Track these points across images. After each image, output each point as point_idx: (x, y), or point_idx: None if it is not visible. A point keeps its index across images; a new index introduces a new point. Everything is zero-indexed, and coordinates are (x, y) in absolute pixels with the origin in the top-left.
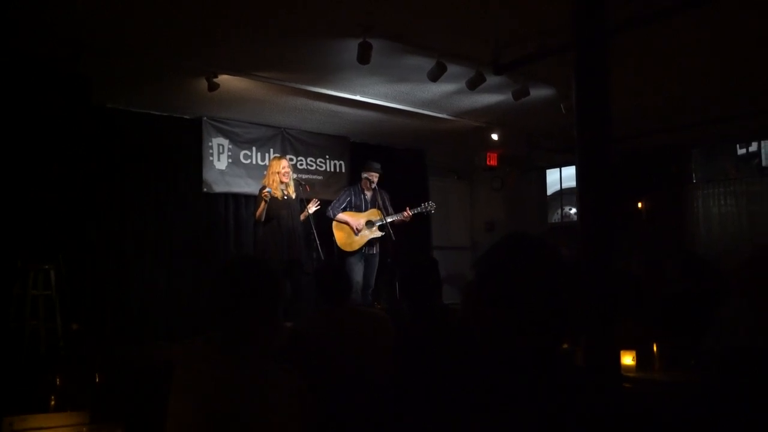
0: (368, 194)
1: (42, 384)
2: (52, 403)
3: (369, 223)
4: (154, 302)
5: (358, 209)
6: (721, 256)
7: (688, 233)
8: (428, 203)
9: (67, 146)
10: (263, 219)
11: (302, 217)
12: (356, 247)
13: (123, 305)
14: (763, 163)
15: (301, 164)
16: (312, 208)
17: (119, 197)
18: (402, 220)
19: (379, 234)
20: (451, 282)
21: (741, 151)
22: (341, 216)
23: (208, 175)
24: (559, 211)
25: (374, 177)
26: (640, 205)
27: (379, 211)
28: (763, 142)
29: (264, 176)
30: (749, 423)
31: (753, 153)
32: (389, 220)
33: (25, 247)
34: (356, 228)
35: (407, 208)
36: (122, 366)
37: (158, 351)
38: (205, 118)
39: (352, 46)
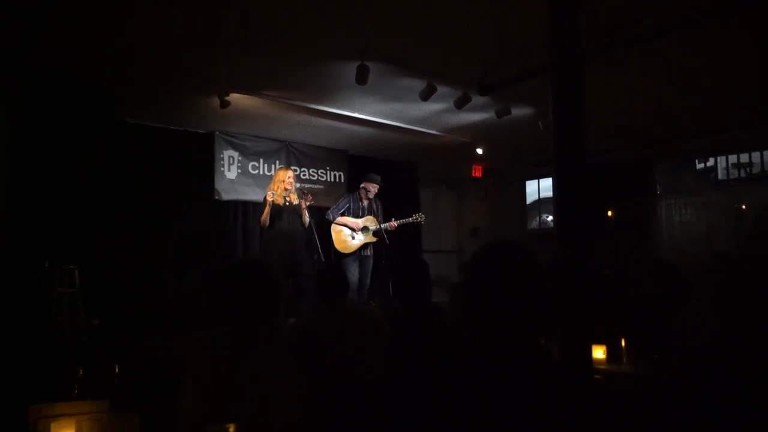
0: (365, 202)
1: (66, 374)
2: (75, 392)
3: (365, 229)
4: (167, 300)
5: (355, 215)
6: (682, 261)
7: (653, 239)
8: (418, 215)
9: (89, 157)
10: (267, 224)
11: (306, 219)
12: (352, 249)
13: (138, 303)
14: (720, 177)
15: (304, 175)
16: (305, 203)
17: (137, 204)
18: (388, 229)
19: (373, 239)
20: (440, 282)
21: (699, 166)
22: (340, 219)
23: (219, 185)
24: (537, 218)
25: (373, 188)
26: (610, 213)
27: (375, 219)
28: (719, 158)
29: (270, 184)
30: (707, 413)
31: (710, 167)
32: (382, 227)
33: (51, 249)
34: (354, 228)
35: (393, 219)
36: (139, 358)
37: (171, 345)
38: (217, 132)
39: (351, 68)
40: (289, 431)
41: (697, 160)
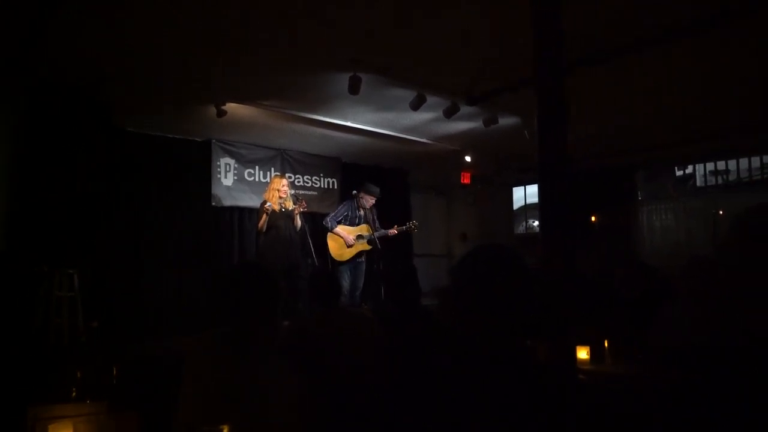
0: (361, 211)
1: (64, 376)
2: (73, 393)
3: (360, 237)
4: (165, 303)
5: (352, 223)
6: (663, 264)
7: (634, 244)
8: (412, 223)
9: (90, 164)
10: (264, 229)
11: (297, 223)
12: (347, 257)
13: (137, 306)
14: (698, 184)
15: (299, 181)
16: (299, 209)
17: (135, 210)
18: (387, 236)
19: (367, 247)
20: (430, 285)
21: (679, 173)
22: (337, 230)
23: (216, 191)
24: (524, 223)
25: (371, 200)
26: (593, 219)
27: (369, 227)
28: (697, 166)
29: (265, 191)
30: (687, 408)
31: (689, 175)
32: (377, 235)
33: (51, 254)
34: (348, 241)
35: (395, 226)
36: (137, 360)
37: (170, 346)
38: (214, 141)
39: (344, 79)
40: (286, 431)
41: (676, 168)
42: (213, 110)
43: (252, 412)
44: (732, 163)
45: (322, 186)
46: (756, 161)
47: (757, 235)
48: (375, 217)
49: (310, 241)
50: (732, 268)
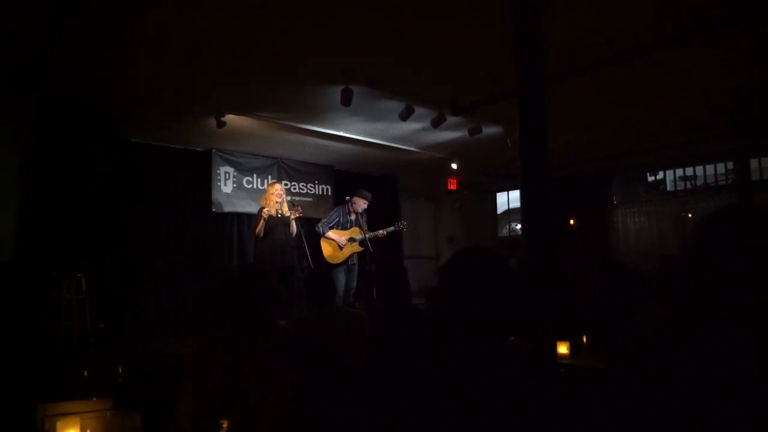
0: (353, 216)
1: (72, 375)
2: (80, 391)
3: (351, 240)
4: (168, 306)
5: (343, 227)
6: (637, 263)
7: (610, 245)
8: (401, 223)
9: (96, 173)
10: (261, 234)
11: (293, 229)
12: (340, 260)
13: (141, 308)
14: (668, 189)
15: (294, 188)
16: (294, 215)
17: (140, 216)
18: (377, 237)
19: (359, 249)
20: (419, 286)
21: (650, 179)
22: (329, 234)
23: (216, 198)
24: (507, 226)
25: (363, 204)
26: (572, 221)
27: (360, 230)
28: (667, 172)
29: (263, 197)
30: (649, 403)
31: (660, 180)
32: (367, 237)
33: (61, 259)
34: (341, 244)
35: (384, 228)
36: (141, 360)
37: (170, 348)
38: (214, 150)
39: (337, 91)
40: (281, 429)
41: (648, 174)
42: (213, 121)
43: (249, 411)
44: (699, 169)
45: (317, 192)
46: (721, 167)
47: (716, 236)
48: (365, 221)
49: (306, 245)
50: (693, 269)
